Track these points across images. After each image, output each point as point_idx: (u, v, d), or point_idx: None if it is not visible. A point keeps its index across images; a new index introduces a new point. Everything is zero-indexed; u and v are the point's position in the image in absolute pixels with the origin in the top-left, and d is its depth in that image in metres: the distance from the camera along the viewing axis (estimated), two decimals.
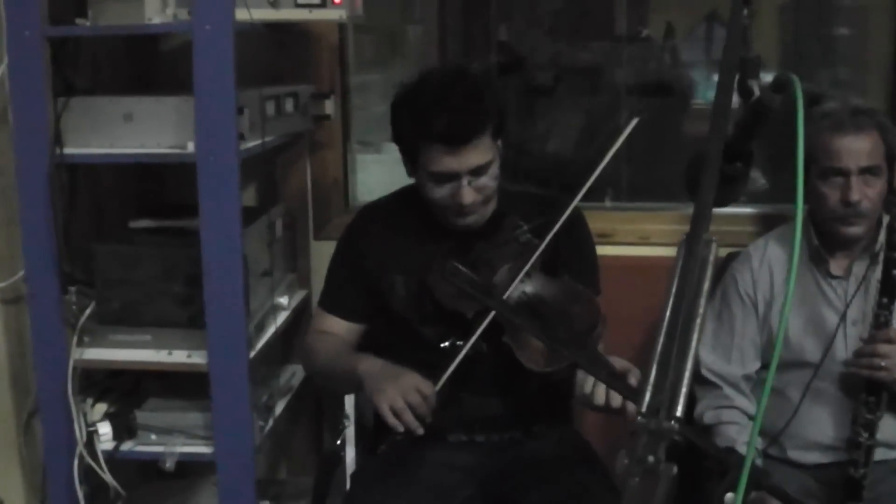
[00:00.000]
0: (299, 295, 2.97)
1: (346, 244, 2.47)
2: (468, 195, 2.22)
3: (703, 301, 1.10)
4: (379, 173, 2.84)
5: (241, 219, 2.33)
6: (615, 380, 2.03)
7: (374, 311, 2.45)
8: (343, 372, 2.30)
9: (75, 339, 2.42)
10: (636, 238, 2.93)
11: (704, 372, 2.45)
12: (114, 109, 2.40)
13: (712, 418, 2.43)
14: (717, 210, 1.22)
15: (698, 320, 1.09)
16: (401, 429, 2.08)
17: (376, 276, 2.39)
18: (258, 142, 2.46)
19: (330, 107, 2.98)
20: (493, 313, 2.20)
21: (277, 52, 2.89)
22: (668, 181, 3.19)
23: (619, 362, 2.10)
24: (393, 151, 3.37)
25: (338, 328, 2.45)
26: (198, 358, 2.41)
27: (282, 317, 2.74)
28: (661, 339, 1.10)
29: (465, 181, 2.21)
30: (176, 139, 2.36)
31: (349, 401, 2.46)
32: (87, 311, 2.44)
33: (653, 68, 3.40)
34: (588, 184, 2.25)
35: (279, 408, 2.73)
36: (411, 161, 2.29)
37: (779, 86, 1.29)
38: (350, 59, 3.16)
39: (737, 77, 1.30)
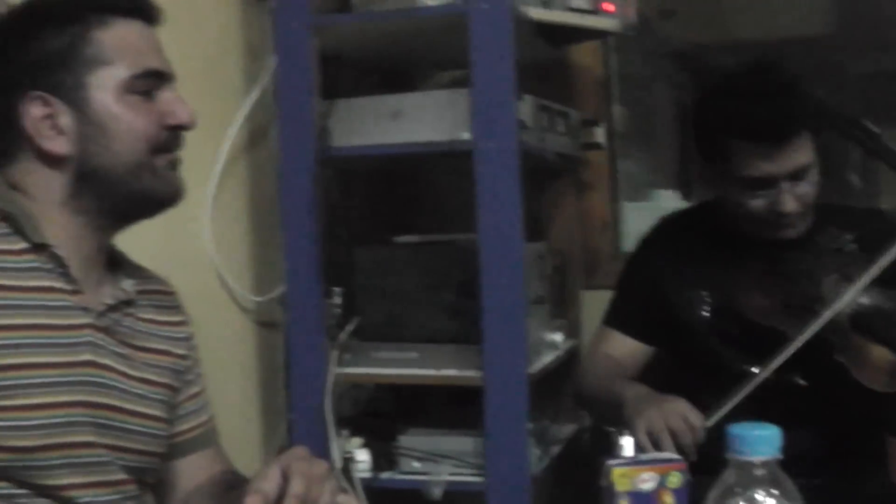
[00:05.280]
0: (567, 344, 2.65)
1: (641, 257, 2.26)
2: (789, 203, 1.95)
3: None
4: (647, 223, 2.56)
5: (521, 216, 2.09)
6: None
7: (667, 332, 2.18)
8: (608, 395, 2.04)
9: (335, 354, 2.19)
10: None
11: None
12: (380, 108, 2.23)
13: None
14: None
15: None
16: (651, 451, 1.76)
17: (674, 291, 2.14)
18: (537, 141, 2.25)
19: (600, 135, 2.72)
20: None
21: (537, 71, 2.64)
22: None
23: None
24: (661, 199, 3.13)
25: (623, 348, 2.19)
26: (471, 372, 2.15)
27: (554, 356, 2.44)
28: None
29: (784, 186, 1.94)
30: (448, 134, 2.16)
31: None
32: (350, 327, 2.23)
33: None
34: None
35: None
36: (716, 166, 2.03)
37: None
38: (615, 87, 2.91)
39: None
